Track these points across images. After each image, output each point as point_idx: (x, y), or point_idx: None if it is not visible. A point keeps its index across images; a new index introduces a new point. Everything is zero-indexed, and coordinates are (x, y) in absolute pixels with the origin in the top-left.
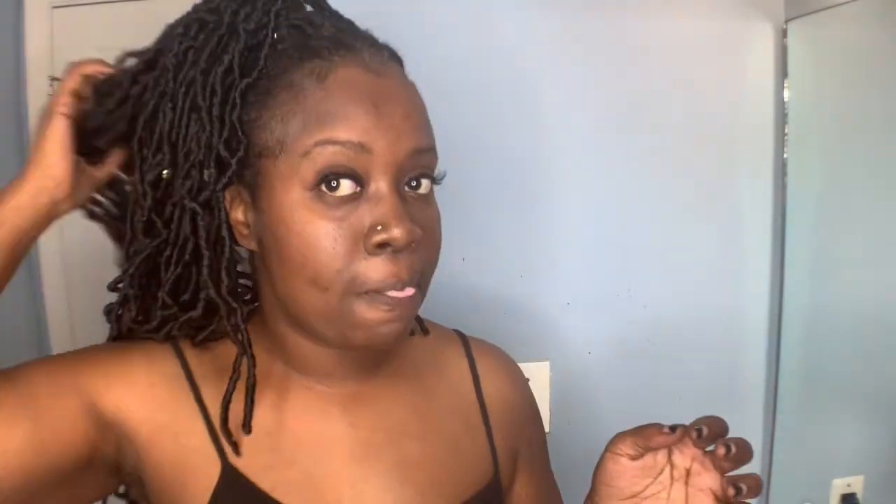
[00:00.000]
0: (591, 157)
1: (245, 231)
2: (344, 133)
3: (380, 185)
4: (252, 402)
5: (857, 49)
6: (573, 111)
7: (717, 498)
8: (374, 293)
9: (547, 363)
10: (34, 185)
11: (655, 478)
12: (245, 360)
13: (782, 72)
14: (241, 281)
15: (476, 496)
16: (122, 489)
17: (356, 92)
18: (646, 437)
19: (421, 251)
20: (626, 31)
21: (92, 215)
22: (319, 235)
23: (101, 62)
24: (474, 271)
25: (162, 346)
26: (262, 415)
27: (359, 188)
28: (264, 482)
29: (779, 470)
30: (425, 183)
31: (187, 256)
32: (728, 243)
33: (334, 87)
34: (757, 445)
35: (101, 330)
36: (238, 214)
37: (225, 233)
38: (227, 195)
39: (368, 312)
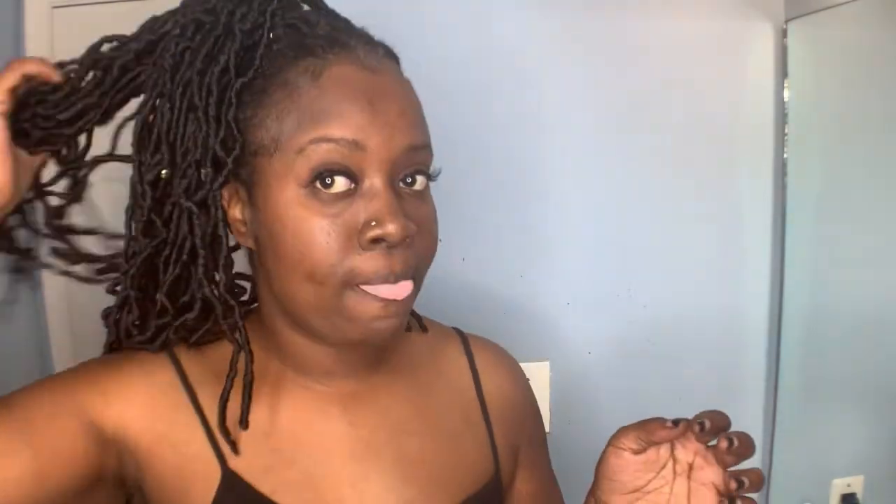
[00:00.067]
0: (591, 157)
1: (242, 229)
2: (338, 130)
3: (374, 181)
4: (250, 397)
5: (857, 49)
6: (573, 111)
7: (719, 492)
8: (367, 286)
9: (547, 363)
10: None
11: (658, 472)
12: (242, 358)
13: (782, 72)
14: (239, 282)
15: (477, 494)
16: None
17: (350, 89)
18: (649, 431)
19: (416, 247)
20: (626, 31)
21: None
22: (314, 231)
23: (45, 63)
24: (474, 271)
25: (157, 356)
26: (261, 417)
27: (353, 185)
28: (265, 485)
29: (779, 470)
30: (420, 180)
31: (185, 256)
32: (728, 243)
33: (328, 85)
34: (757, 445)
35: (100, 331)
36: (236, 212)
37: (221, 231)
38: (225, 193)
39: (362, 306)
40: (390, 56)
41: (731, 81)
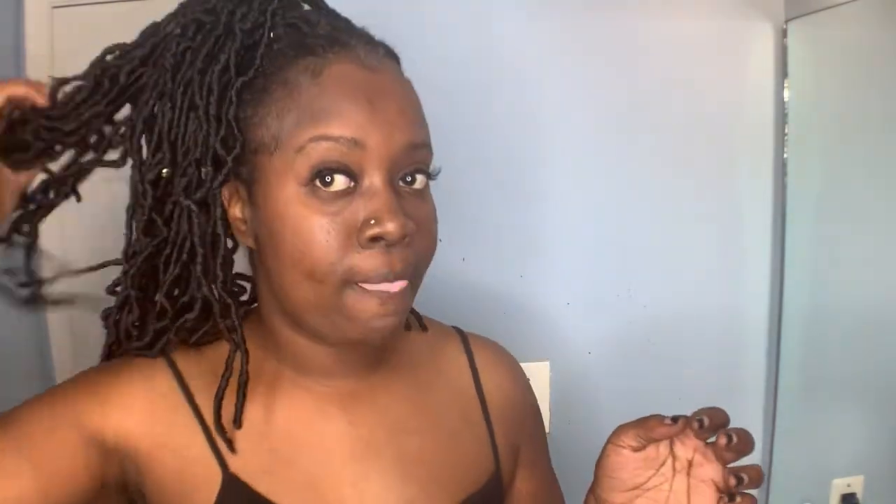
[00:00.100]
0: (590, 157)
1: (243, 227)
2: (337, 129)
3: (374, 179)
4: (244, 396)
5: (857, 49)
6: (573, 111)
7: (718, 488)
8: (366, 284)
9: (547, 363)
10: None
11: (657, 469)
12: (239, 357)
13: (782, 72)
14: (239, 282)
15: (478, 492)
16: None
17: (350, 88)
18: (648, 428)
19: (415, 245)
20: (626, 31)
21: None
22: (314, 230)
23: (35, 87)
24: (474, 271)
25: (154, 362)
26: (261, 418)
27: (353, 183)
28: (265, 486)
29: (779, 470)
30: (420, 178)
31: (185, 255)
32: (728, 243)
33: (328, 84)
34: (757, 445)
35: (101, 332)
36: (236, 211)
37: (220, 229)
38: (226, 192)
39: (360, 303)
40: (390, 56)
41: (731, 81)
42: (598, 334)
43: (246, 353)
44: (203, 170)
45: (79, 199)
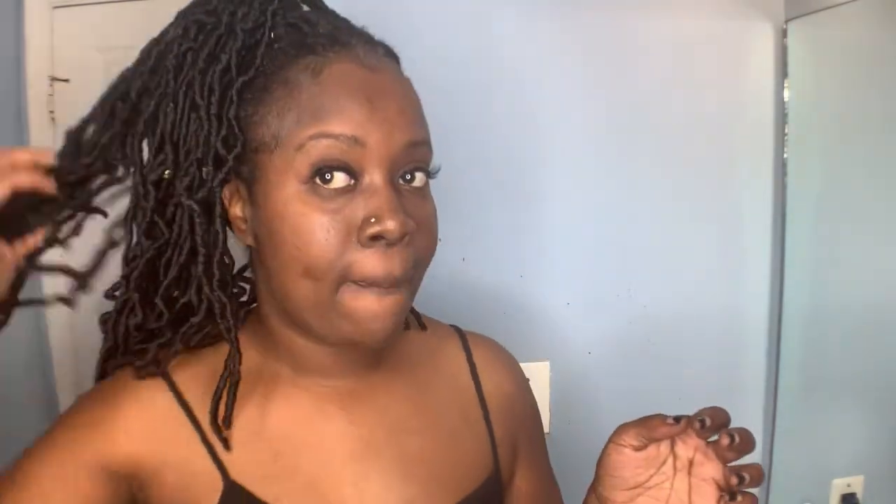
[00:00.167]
0: (590, 157)
1: (243, 226)
2: (337, 127)
3: (374, 178)
4: (234, 395)
5: (857, 49)
6: (573, 111)
7: (719, 487)
8: (363, 282)
9: (547, 363)
10: None
11: (659, 468)
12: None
13: (782, 72)
14: (240, 283)
15: (477, 490)
16: None
17: (350, 86)
18: (649, 427)
19: (415, 244)
20: (626, 31)
21: None
22: (314, 227)
23: (38, 171)
24: (474, 271)
25: (151, 382)
26: (259, 418)
27: (353, 181)
28: (265, 490)
29: (779, 470)
30: (420, 176)
31: (184, 256)
32: (728, 243)
33: (328, 82)
34: (757, 445)
35: (101, 333)
36: (237, 210)
37: (219, 228)
38: (226, 191)
39: (356, 301)
40: (390, 55)
41: (731, 81)
42: (598, 334)
43: (239, 353)
44: (204, 169)
45: (105, 214)
